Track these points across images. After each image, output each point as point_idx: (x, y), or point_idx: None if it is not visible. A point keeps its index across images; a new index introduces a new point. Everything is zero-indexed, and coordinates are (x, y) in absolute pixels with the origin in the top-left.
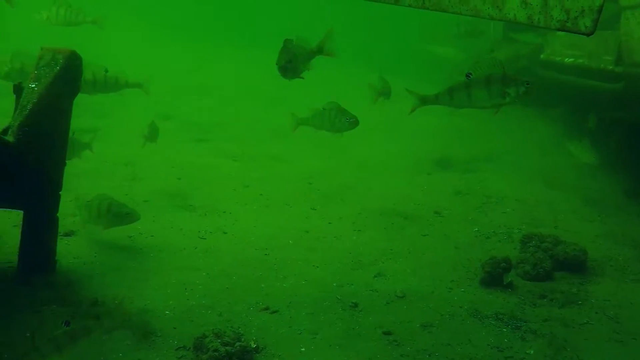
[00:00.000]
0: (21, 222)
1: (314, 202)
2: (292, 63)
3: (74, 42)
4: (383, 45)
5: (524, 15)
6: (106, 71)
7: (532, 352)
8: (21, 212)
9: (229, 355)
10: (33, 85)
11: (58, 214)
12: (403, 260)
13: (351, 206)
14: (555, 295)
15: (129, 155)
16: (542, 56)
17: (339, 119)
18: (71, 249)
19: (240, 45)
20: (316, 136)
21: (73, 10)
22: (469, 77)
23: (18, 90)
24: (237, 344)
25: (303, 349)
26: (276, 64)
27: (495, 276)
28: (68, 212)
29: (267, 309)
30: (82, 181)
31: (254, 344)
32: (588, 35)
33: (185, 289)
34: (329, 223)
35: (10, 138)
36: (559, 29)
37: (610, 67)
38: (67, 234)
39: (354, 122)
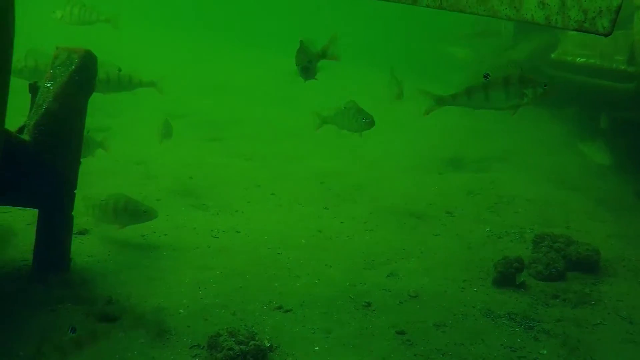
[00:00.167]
0: (36, 221)
1: (326, 202)
2: (312, 63)
3: (88, 41)
4: (395, 45)
5: (541, 16)
6: (120, 70)
7: (545, 352)
8: (36, 211)
9: (243, 354)
10: (49, 85)
11: (72, 213)
12: (415, 259)
13: (363, 205)
14: (568, 295)
15: (141, 153)
16: (553, 56)
17: (357, 119)
18: (85, 248)
19: (252, 46)
20: (327, 135)
21: (87, 9)
22: (487, 77)
23: (34, 89)
24: (251, 342)
25: (317, 348)
26: (296, 65)
27: (507, 276)
28: (82, 210)
29: (280, 308)
30: (94, 180)
31: (268, 342)
32: (606, 35)
33: (199, 287)
34: (341, 222)
35: (26, 137)
36: (576, 30)
37: (623, 67)
38: (80, 233)
39: (370, 122)
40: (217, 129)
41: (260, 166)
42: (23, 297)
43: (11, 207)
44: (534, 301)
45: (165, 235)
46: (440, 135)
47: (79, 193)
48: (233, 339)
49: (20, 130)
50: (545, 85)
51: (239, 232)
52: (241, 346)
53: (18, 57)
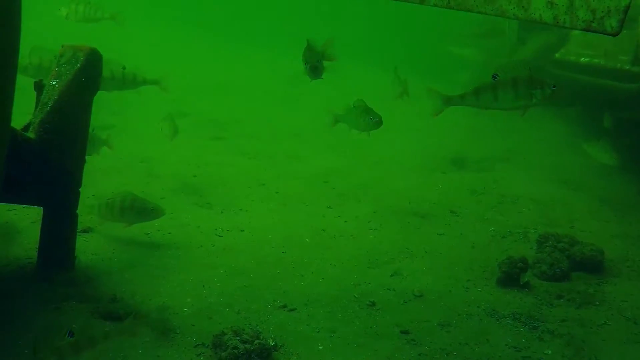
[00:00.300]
0: (41, 219)
1: (330, 201)
2: (320, 62)
3: (91, 38)
4: (399, 44)
5: (549, 16)
6: (124, 68)
7: (550, 352)
8: (40, 209)
9: (248, 353)
10: (54, 82)
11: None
12: (419, 259)
13: (367, 205)
14: (572, 295)
15: (145, 152)
16: (557, 55)
17: (364, 118)
18: (89, 246)
19: (254, 45)
20: (331, 134)
21: (92, 7)
22: (495, 78)
23: (39, 87)
24: (256, 341)
25: (321, 347)
26: (305, 64)
27: (512, 276)
28: (87, 209)
29: (284, 307)
30: (98, 178)
31: (273, 341)
32: (614, 35)
33: (203, 286)
34: (345, 222)
35: (31, 135)
36: (584, 30)
37: (627, 67)
38: (85, 231)
39: (377, 122)
40: (221, 128)
41: (264, 165)
42: (28, 295)
43: (16, 204)
44: (538, 301)
45: (170, 233)
46: (442, 134)
47: (87, 191)
48: (238, 338)
49: (26, 128)
50: (553, 87)
51: (243, 230)
52: (246, 345)
53: (22, 54)
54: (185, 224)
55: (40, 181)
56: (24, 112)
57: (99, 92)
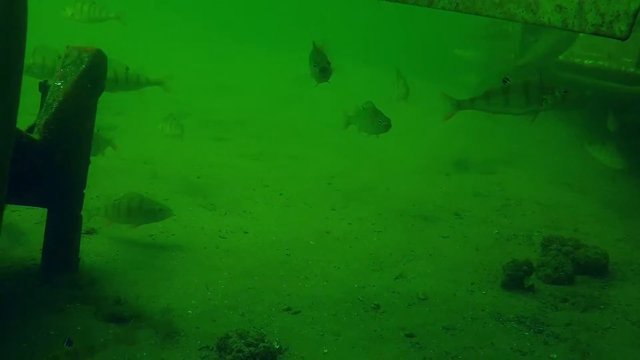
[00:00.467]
0: (45, 220)
1: (334, 203)
2: (330, 65)
3: (95, 38)
4: (403, 46)
5: (558, 19)
6: (127, 69)
7: (555, 356)
8: (43, 209)
9: (252, 356)
10: (59, 84)
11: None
12: (424, 262)
13: (371, 207)
14: (577, 299)
15: (148, 152)
16: (560, 57)
17: (373, 121)
18: (93, 247)
19: (257, 46)
20: (334, 136)
21: (97, 7)
22: (506, 82)
23: (44, 88)
24: (261, 344)
25: (326, 351)
26: (315, 66)
27: (516, 279)
28: (92, 210)
29: (289, 309)
30: (101, 179)
31: (277, 344)
32: (623, 39)
33: (208, 288)
34: (349, 224)
35: (36, 136)
36: (593, 33)
37: (632, 70)
38: (88, 232)
39: (386, 125)
40: (224, 129)
41: (268, 166)
42: (32, 297)
43: (20, 205)
44: (543, 305)
45: (174, 235)
46: (445, 136)
47: (91, 192)
48: (242, 341)
49: (30, 129)
50: (564, 92)
51: (247, 232)
52: (250, 348)
53: (26, 54)
54: (189, 226)
55: (45, 182)
56: (27, 112)
57: (103, 93)
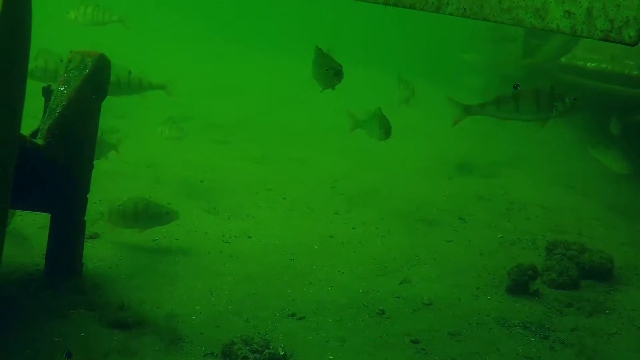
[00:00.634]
0: (48, 225)
1: (337, 207)
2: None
3: (98, 41)
4: (406, 49)
5: (567, 25)
6: (130, 73)
7: None
8: (46, 214)
9: None
10: (62, 88)
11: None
12: (428, 266)
13: (374, 211)
14: (582, 304)
15: (150, 156)
16: (562, 60)
17: (376, 127)
18: (96, 252)
19: (259, 49)
20: (337, 138)
21: (100, 10)
22: (516, 88)
23: (47, 92)
24: (266, 351)
25: (331, 357)
26: (328, 70)
27: (521, 284)
28: (94, 214)
29: (293, 315)
30: (104, 183)
31: (282, 351)
32: (632, 45)
33: (212, 294)
34: (353, 228)
35: (39, 141)
36: (602, 39)
37: (635, 73)
38: (91, 237)
39: (387, 132)
40: (226, 132)
41: (271, 169)
42: (35, 303)
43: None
44: (548, 310)
45: (177, 240)
46: (448, 139)
47: (94, 196)
48: (247, 348)
49: (34, 134)
50: (574, 99)
51: (250, 237)
52: (255, 354)
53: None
54: (192, 230)
55: (48, 188)
56: (30, 116)
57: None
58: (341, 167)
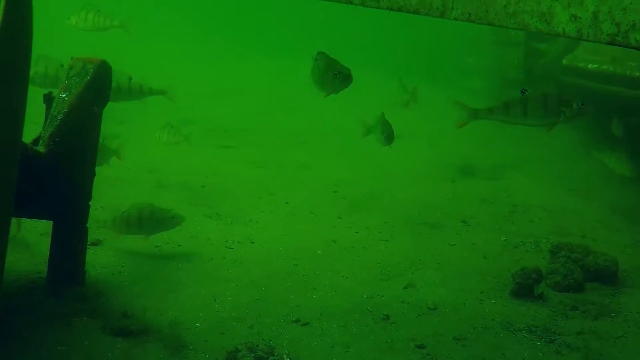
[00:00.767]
0: (51, 233)
1: (340, 211)
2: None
3: (99, 46)
4: (408, 52)
5: (573, 29)
6: (130, 78)
7: None
8: (48, 221)
9: None
10: (63, 95)
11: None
12: (432, 270)
13: (377, 215)
14: (587, 307)
15: (152, 161)
16: (564, 62)
17: (379, 133)
18: (99, 259)
19: (261, 53)
20: (339, 142)
21: (101, 15)
22: (524, 93)
23: (48, 100)
24: (271, 358)
25: None
26: (341, 72)
27: (525, 287)
28: (95, 221)
29: (297, 321)
30: (105, 189)
31: (287, 357)
32: (639, 49)
33: (215, 300)
34: (356, 232)
35: (41, 149)
36: (608, 43)
37: (636, 74)
38: (93, 244)
39: (387, 138)
40: (227, 136)
41: (272, 174)
42: (38, 311)
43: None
44: (553, 313)
45: (180, 246)
46: (450, 142)
47: (96, 203)
48: (252, 355)
49: (35, 141)
50: (582, 105)
51: (253, 242)
52: None
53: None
54: (195, 236)
55: (50, 195)
56: (31, 122)
57: None
58: (343, 170)
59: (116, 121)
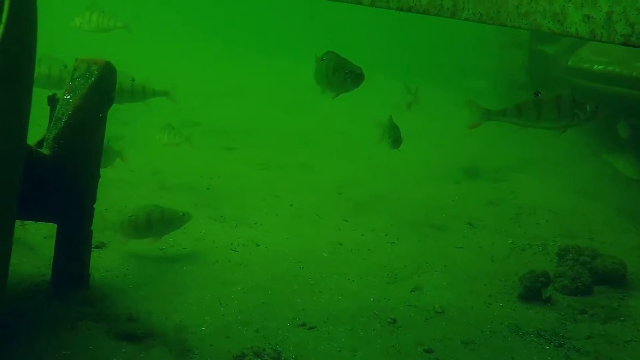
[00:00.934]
0: (55, 236)
1: (345, 213)
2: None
3: (101, 47)
4: (412, 53)
5: (586, 30)
6: (133, 80)
7: None
8: (52, 224)
9: None
10: (68, 97)
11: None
12: (439, 273)
13: (382, 217)
14: (596, 310)
15: (156, 163)
16: (569, 63)
17: (385, 136)
18: (103, 262)
19: (264, 54)
20: (343, 143)
21: (105, 16)
22: (537, 95)
23: (52, 101)
24: None
25: None
26: (352, 72)
27: (533, 290)
28: (100, 224)
29: (304, 325)
30: (109, 191)
31: None
32: None
33: (221, 304)
34: (362, 235)
35: (45, 151)
36: (622, 44)
37: None
38: (98, 246)
39: (397, 141)
40: (232, 138)
41: (277, 176)
42: (42, 314)
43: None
44: (562, 317)
45: (184, 248)
46: (455, 143)
47: (96, 205)
48: (258, 359)
49: (40, 143)
50: (595, 107)
51: (258, 245)
52: None
53: None
54: (199, 239)
55: (55, 198)
56: (35, 123)
57: None
58: (347, 172)
59: (120, 123)
